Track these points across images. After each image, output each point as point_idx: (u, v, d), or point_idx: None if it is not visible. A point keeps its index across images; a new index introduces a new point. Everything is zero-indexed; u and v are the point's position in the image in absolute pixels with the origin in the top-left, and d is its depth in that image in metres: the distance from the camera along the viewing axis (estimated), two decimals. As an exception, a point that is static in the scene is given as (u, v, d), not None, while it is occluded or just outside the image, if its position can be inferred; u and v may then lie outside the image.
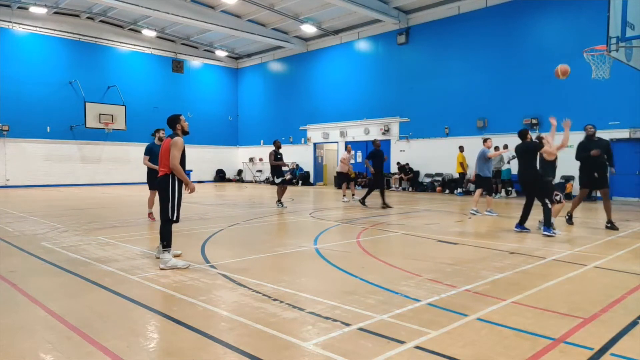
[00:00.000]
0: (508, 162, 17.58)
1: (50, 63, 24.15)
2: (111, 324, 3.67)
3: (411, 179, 21.50)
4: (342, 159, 16.47)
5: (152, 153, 9.84)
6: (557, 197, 8.62)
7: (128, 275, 5.16)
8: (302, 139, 27.47)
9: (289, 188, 24.82)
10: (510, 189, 17.74)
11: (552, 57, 17.36)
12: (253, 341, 3.32)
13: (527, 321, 3.71)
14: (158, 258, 5.85)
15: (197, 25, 23.77)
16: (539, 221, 8.55)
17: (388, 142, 22.97)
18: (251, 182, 30.05)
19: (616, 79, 12.89)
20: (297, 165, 26.90)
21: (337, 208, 13.16)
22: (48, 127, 23.94)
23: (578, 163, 9.27)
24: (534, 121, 17.70)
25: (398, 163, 22.04)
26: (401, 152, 22.45)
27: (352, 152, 16.63)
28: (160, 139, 9.97)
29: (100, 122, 24.44)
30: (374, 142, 13.87)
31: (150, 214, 10.38)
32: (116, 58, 26.58)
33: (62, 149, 24.41)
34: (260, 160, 29.99)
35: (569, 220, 9.35)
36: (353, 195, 16.08)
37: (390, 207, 13.04)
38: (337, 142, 25.61)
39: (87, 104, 24.17)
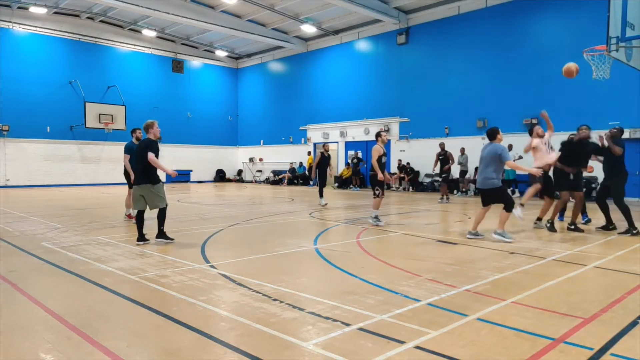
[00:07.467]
0: (514, 161, 17.57)
1: (50, 63, 24.14)
2: (111, 324, 3.67)
3: (411, 179, 21.51)
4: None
5: (132, 152, 9.35)
6: (377, 192, 9.38)
7: (128, 275, 5.15)
8: (302, 139, 27.47)
9: (287, 187, 24.93)
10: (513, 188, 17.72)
11: (552, 57, 17.40)
12: (253, 341, 3.32)
13: (527, 321, 3.71)
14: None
15: (197, 25, 23.77)
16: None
17: (388, 142, 22.94)
18: (251, 182, 30.04)
19: (616, 79, 12.87)
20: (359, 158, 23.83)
21: (337, 208, 13.15)
22: (48, 127, 23.93)
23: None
24: (534, 121, 17.66)
25: (399, 161, 22.02)
26: (401, 152, 22.47)
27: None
28: (138, 139, 9.66)
29: (100, 122, 24.45)
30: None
31: (129, 215, 10.07)
32: (116, 58, 26.57)
33: (62, 149, 24.41)
34: (260, 160, 30.00)
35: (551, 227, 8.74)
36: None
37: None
38: (337, 142, 25.62)
39: (87, 104, 24.16)
